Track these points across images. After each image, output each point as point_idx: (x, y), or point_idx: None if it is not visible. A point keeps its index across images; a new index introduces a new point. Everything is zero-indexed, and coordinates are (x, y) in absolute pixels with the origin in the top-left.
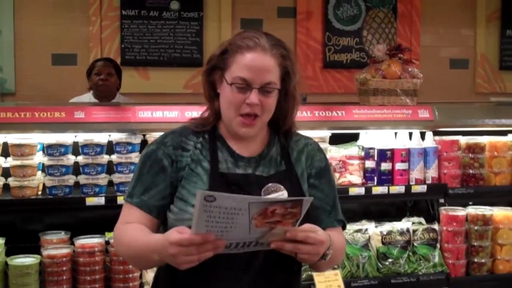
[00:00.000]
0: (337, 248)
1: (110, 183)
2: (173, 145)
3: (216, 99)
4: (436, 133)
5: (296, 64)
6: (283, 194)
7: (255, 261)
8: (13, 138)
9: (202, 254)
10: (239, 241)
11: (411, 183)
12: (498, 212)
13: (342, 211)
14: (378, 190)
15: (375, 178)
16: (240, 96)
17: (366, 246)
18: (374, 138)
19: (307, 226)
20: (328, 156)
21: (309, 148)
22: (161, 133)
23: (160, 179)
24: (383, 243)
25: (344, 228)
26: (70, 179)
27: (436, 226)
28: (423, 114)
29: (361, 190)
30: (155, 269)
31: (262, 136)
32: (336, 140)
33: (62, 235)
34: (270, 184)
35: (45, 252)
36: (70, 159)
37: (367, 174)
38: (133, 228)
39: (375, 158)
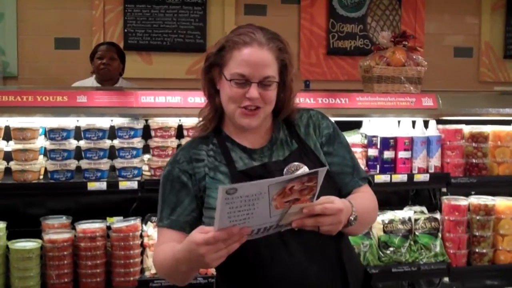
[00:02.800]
0: (364, 208)
1: (112, 168)
2: (186, 160)
3: (216, 96)
4: (439, 122)
5: (293, 56)
6: (304, 170)
7: (303, 234)
8: (15, 121)
9: (230, 247)
10: (260, 227)
11: (413, 172)
12: (500, 202)
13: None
14: (380, 178)
15: (378, 166)
16: (240, 91)
17: (367, 234)
18: (377, 126)
19: (322, 198)
20: None
21: (313, 120)
22: (163, 118)
23: (183, 195)
24: (384, 231)
25: (370, 184)
26: (72, 164)
27: (438, 216)
28: (427, 102)
29: None
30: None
31: (267, 124)
32: (339, 127)
33: (64, 219)
34: (289, 165)
35: (46, 237)
36: (72, 143)
37: (370, 162)
38: (164, 248)
39: (378, 146)
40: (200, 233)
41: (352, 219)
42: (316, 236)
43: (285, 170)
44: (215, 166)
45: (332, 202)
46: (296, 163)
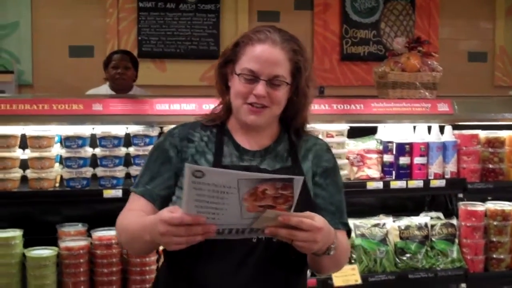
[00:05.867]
0: (342, 247)
1: (128, 175)
2: (180, 137)
3: (227, 93)
4: (455, 127)
5: (309, 61)
6: None
7: (254, 254)
8: (31, 130)
9: (191, 237)
10: (232, 227)
11: (429, 178)
12: None
13: (359, 205)
14: (396, 184)
15: (394, 172)
16: (248, 86)
17: (383, 240)
18: (392, 131)
19: (305, 213)
20: (346, 149)
21: (317, 148)
22: None
23: (165, 168)
24: (401, 237)
25: (349, 235)
26: (88, 171)
27: (454, 221)
28: (442, 107)
29: (379, 184)
30: None
31: (271, 131)
32: (354, 133)
33: (80, 227)
34: None
35: (62, 244)
36: (88, 151)
37: (385, 168)
38: (132, 214)
39: (394, 152)
40: (168, 211)
41: (333, 247)
42: (273, 264)
43: None
44: (203, 151)
45: (312, 218)
46: None
